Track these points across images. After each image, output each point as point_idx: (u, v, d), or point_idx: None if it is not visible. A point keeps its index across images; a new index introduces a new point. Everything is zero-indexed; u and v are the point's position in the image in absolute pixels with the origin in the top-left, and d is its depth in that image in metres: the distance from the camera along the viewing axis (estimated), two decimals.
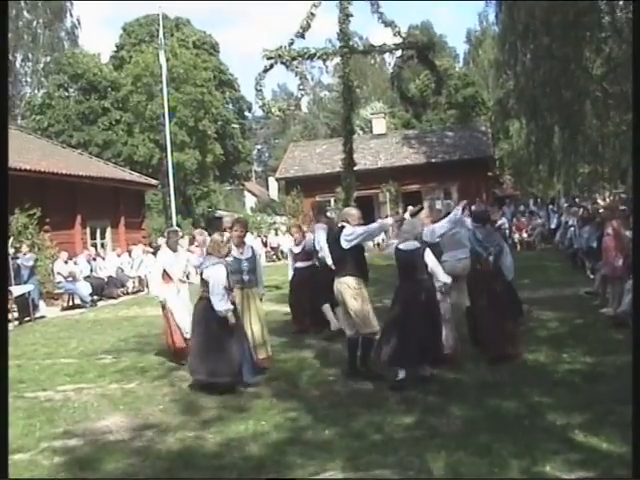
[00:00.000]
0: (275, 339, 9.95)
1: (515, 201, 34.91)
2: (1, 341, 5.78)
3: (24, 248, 15.85)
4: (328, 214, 12.02)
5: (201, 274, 7.66)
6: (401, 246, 7.57)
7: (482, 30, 61.16)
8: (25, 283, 15.08)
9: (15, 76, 42.67)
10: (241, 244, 8.37)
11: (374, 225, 8.06)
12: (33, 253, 16.32)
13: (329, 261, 9.75)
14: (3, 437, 4.84)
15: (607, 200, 27.64)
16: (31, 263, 15.62)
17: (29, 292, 15.01)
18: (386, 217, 9.25)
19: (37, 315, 15.27)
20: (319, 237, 10.23)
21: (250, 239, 8.82)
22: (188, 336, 8.50)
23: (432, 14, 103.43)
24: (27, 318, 14.87)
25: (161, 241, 24.88)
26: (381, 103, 53.61)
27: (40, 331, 13.33)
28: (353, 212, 8.04)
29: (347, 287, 7.60)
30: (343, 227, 7.85)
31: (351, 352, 7.85)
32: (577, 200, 28.79)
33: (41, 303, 15.93)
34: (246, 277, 8.24)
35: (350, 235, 7.59)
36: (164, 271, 9.37)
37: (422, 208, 9.16)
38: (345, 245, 7.61)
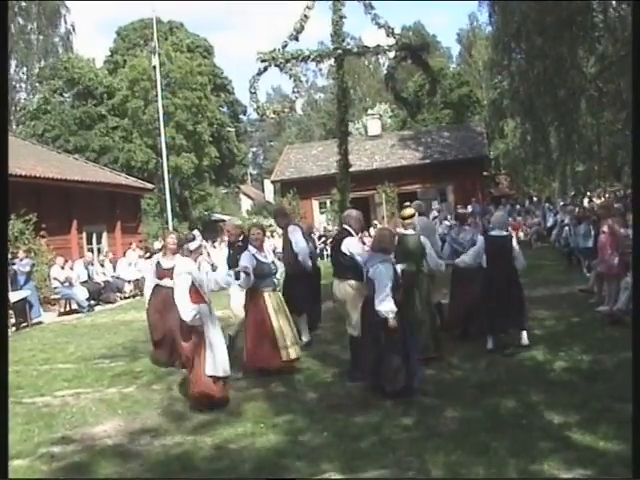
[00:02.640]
0: None
1: (511, 200, 34.95)
2: (1, 347, 5.79)
3: (20, 254, 15.84)
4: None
5: (366, 273, 7.13)
6: (493, 233, 8.71)
7: (472, 30, 61.41)
8: (21, 289, 15.06)
9: (10, 82, 42.58)
10: (262, 248, 8.32)
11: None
12: (29, 258, 16.30)
13: (309, 263, 9.78)
14: (3, 439, 4.85)
15: (602, 198, 27.71)
16: (28, 269, 15.60)
17: (26, 297, 15.00)
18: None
19: (34, 321, 15.24)
20: (297, 239, 9.86)
21: None
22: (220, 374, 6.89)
23: (425, 14, 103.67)
24: (24, 324, 14.85)
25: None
26: (386, 105, 53.54)
27: (37, 336, 13.31)
28: (354, 215, 8.14)
29: (350, 289, 7.72)
30: (345, 230, 8.00)
31: (354, 352, 7.90)
32: (570, 198, 28.87)
33: (38, 308, 15.87)
34: (275, 280, 8.31)
35: (353, 249, 7.70)
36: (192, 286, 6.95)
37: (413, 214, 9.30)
38: (347, 253, 7.74)
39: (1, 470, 4.63)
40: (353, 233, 7.98)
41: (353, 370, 7.73)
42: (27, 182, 18.30)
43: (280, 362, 8.05)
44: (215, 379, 6.80)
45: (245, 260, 8.05)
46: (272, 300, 8.13)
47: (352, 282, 7.73)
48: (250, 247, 8.31)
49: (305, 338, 9.77)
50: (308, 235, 11.05)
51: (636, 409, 4.52)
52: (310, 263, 9.94)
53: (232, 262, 8.65)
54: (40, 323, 15.34)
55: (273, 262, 8.41)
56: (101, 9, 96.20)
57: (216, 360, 6.79)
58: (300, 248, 9.73)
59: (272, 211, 15.86)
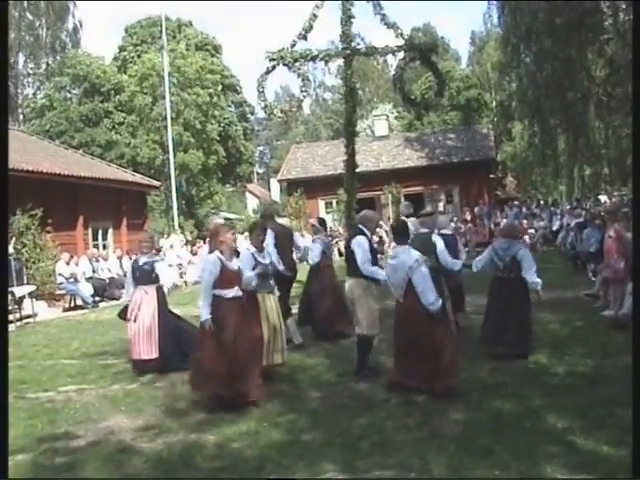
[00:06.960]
0: None
1: (517, 203, 34.86)
2: (1, 343, 5.79)
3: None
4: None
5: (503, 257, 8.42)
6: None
7: (487, 31, 61.15)
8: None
9: (17, 77, 42.58)
10: (261, 248, 8.10)
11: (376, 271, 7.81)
12: (34, 254, 16.26)
13: (280, 267, 9.29)
14: (3, 438, 4.85)
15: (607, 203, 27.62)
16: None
17: (30, 293, 14.98)
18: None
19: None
20: (267, 242, 9.55)
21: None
22: None
23: (434, 16, 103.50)
24: (20, 318, 14.69)
25: (164, 242, 24.93)
26: (390, 105, 53.53)
27: (42, 332, 13.32)
28: (369, 215, 8.24)
29: (357, 286, 7.78)
30: (359, 229, 8.02)
31: (360, 350, 7.93)
32: (576, 202, 28.80)
33: (32, 302, 15.63)
34: (272, 281, 8.06)
35: (360, 252, 7.71)
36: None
37: (432, 213, 9.43)
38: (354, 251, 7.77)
39: (1, 470, 4.62)
40: (367, 233, 7.99)
41: (359, 369, 7.79)
42: (34, 177, 18.29)
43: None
44: None
45: (245, 261, 7.65)
46: (266, 303, 7.80)
47: (362, 280, 7.76)
48: (249, 246, 8.08)
49: (296, 341, 9.64)
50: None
51: (636, 410, 4.51)
52: (282, 266, 9.43)
53: None
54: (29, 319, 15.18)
55: (271, 263, 8.22)
56: (109, 8, 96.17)
57: None
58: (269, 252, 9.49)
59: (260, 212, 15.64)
